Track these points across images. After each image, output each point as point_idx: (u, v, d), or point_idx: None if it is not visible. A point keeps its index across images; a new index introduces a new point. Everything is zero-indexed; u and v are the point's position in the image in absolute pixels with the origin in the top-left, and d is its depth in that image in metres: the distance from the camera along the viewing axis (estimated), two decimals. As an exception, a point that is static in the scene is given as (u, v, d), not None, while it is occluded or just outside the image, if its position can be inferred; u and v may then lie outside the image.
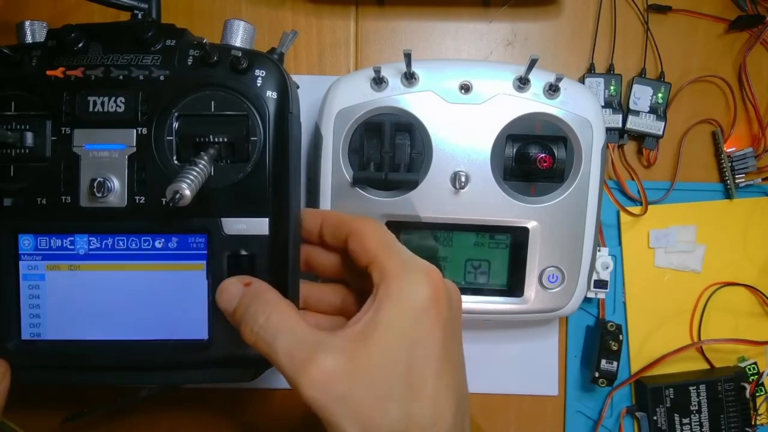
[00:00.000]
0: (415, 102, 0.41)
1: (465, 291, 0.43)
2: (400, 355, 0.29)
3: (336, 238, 0.36)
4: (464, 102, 0.41)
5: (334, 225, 0.36)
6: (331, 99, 0.42)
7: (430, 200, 0.42)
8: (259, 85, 0.35)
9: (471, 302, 0.44)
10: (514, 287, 0.44)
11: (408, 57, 0.39)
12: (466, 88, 0.41)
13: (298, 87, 0.38)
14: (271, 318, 0.30)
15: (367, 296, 0.34)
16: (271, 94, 0.35)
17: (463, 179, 0.41)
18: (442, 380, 0.30)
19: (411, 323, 0.30)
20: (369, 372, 0.28)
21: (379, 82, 0.41)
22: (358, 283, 0.36)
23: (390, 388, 0.29)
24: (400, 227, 0.42)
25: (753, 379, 0.49)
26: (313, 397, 0.28)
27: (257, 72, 0.35)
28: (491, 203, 0.42)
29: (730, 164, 0.49)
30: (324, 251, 0.37)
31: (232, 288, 0.33)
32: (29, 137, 0.35)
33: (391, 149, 0.42)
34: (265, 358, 0.30)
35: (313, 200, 0.43)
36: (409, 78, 0.41)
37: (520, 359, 0.50)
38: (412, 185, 0.42)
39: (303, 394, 0.28)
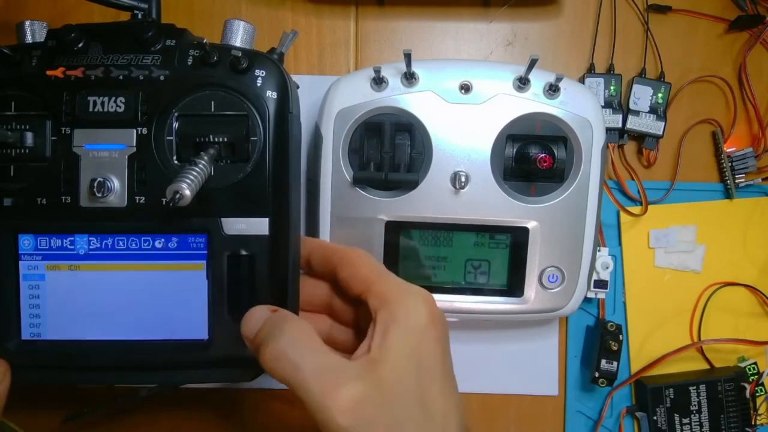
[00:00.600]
0: (415, 102, 0.41)
1: (465, 291, 0.44)
2: (412, 377, 0.30)
3: (325, 265, 0.36)
4: (464, 102, 0.41)
5: (323, 253, 0.36)
6: (331, 99, 0.42)
7: (430, 200, 0.42)
8: (259, 85, 0.35)
9: (471, 302, 0.44)
10: (514, 287, 0.44)
11: (408, 57, 0.39)
12: (466, 88, 0.41)
13: (298, 87, 0.38)
14: (298, 338, 0.30)
15: (353, 327, 0.36)
16: (271, 94, 0.35)
17: (463, 179, 0.41)
18: (446, 397, 0.31)
19: (416, 345, 0.31)
20: (390, 396, 0.29)
21: (379, 82, 0.41)
22: (343, 314, 0.37)
23: (408, 411, 0.29)
24: (400, 227, 0.42)
25: (753, 379, 0.49)
26: (343, 424, 0.27)
27: (257, 72, 0.35)
28: (491, 203, 0.42)
29: (730, 164, 0.49)
30: (310, 281, 0.38)
31: (258, 313, 0.32)
32: (29, 137, 0.35)
33: (391, 149, 0.42)
34: (279, 381, 0.29)
35: (313, 200, 0.43)
36: (409, 78, 0.41)
37: (520, 359, 0.50)
38: (412, 185, 0.42)
39: (330, 421, 0.27)
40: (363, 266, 0.34)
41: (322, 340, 0.31)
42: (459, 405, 0.32)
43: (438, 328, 0.32)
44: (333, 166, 0.42)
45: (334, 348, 0.36)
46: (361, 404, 0.28)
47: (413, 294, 0.32)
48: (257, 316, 0.32)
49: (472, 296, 0.44)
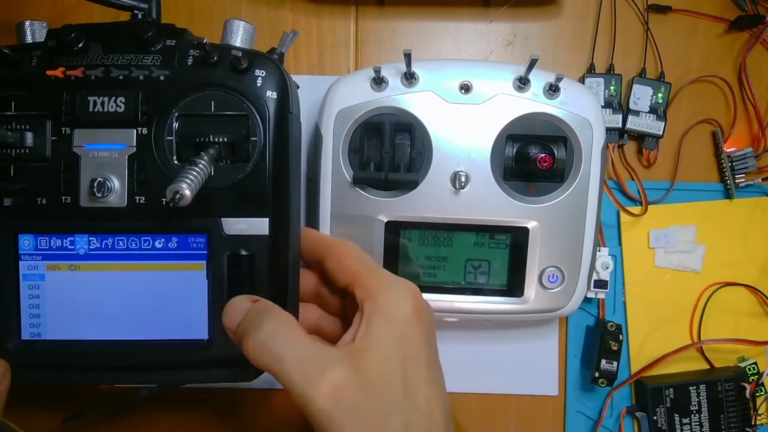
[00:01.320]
0: (415, 102, 0.41)
1: (465, 291, 0.44)
2: (396, 367, 0.30)
3: (313, 255, 0.37)
4: (464, 102, 0.41)
5: (311, 243, 0.37)
6: (331, 99, 0.42)
7: (430, 200, 0.42)
8: (259, 85, 0.35)
9: (471, 302, 0.44)
10: (514, 287, 0.44)
11: (408, 57, 0.39)
12: (466, 88, 0.42)
13: (298, 87, 0.38)
14: (280, 329, 0.30)
15: (341, 317, 0.36)
16: (271, 94, 0.35)
17: (463, 179, 0.41)
18: (431, 388, 0.31)
19: (400, 335, 0.31)
20: (372, 384, 0.29)
21: (379, 82, 0.41)
22: (331, 304, 0.37)
23: (392, 399, 0.29)
24: (400, 227, 0.43)
25: (753, 379, 0.49)
26: (325, 410, 0.28)
27: (257, 72, 0.35)
28: (491, 203, 0.42)
29: (730, 164, 0.49)
30: (299, 270, 0.38)
31: (239, 304, 0.33)
32: (29, 137, 0.35)
33: (391, 149, 0.42)
34: (263, 370, 0.29)
35: (313, 200, 0.43)
36: (409, 78, 0.41)
37: (520, 359, 0.50)
38: (412, 185, 0.42)
39: (313, 407, 0.28)
40: (348, 258, 0.34)
41: (303, 329, 0.31)
42: (444, 396, 0.32)
43: (422, 320, 0.32)
44: (333, 166, 0.42)
45: (321, 337, 0.36)
46: (342, 389, 0.28)
47: (398, 286, 0.33)
48: (238, 307, 0.32)
49: (472, 296, 0.44)
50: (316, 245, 0.37)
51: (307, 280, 0.38)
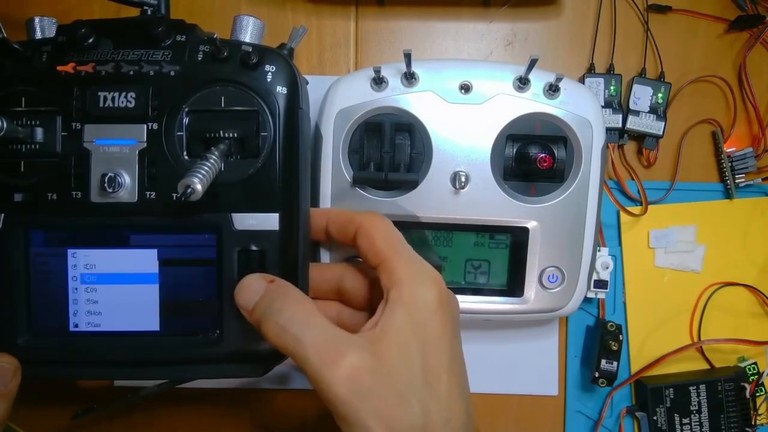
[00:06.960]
0: (415, 102, 0.43)
1: (465, 291, 0.45)
2: (417, 355, 0.31)
3: (344, 235, 0.37)
4: (464, 102, 0.43)
5: (340, 223, 0.38)
6: (331, 99, 0.43)
7: (430, 200, 0.43)
8: (269, 80, 0.36)
9: (471, 302, 0.45)
10: (514, 287, 0.45)
11: (408, 57, 0.40)
12: (466, 88, 0.43)
13: (307, 83, 0.40)
14: (299, 312, 0.31)
15: (366, 309, 0.37)
16: (281, 90, 0.36)
17: (463, 179, 0.42)
18: (453, 379, 0.32)
19: (423, 325, 0.32)
20: (391, 369, 0.30)
21: (379, 82, 0.42)
22: (355, 298, 0.38)
23: (410, 386, 0.30)
24: (400, 227, 0.43)
25: (753, 379, 0.51)
26: (340, 393, 0.29)
27: (267, 67, 0.36)
28: (491, 203, 0.43)
29: (730, 164, 0.50)
30: (318, 268, 0.39)
31: (255, 284, 0.34)
32: (39, 133, 0.36)
33: (391, 149, 0.43)
34: (283, 353, 0.31)
35: (313, 200, 0.44)
36: (409, 78, 0.42)
37: (520, 359, 0.51)
38: (412, 185, 0.43)
39: (328, 391, 0.29)
40: (377, 239, 0.35)
41: (322, 314, 0.32)
42: (466, 388, 0.34)
43: (446, 310, 0.33)
44: (333, 166, 0.43)
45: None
46: (359, 374, 0.29)
47: (422, 277, 0.33)
48: (253, 287, 0.33)
49: (472, 296, 0.45)
50: (346, 222, 0.37)
51: (328, 275, 0.39)
